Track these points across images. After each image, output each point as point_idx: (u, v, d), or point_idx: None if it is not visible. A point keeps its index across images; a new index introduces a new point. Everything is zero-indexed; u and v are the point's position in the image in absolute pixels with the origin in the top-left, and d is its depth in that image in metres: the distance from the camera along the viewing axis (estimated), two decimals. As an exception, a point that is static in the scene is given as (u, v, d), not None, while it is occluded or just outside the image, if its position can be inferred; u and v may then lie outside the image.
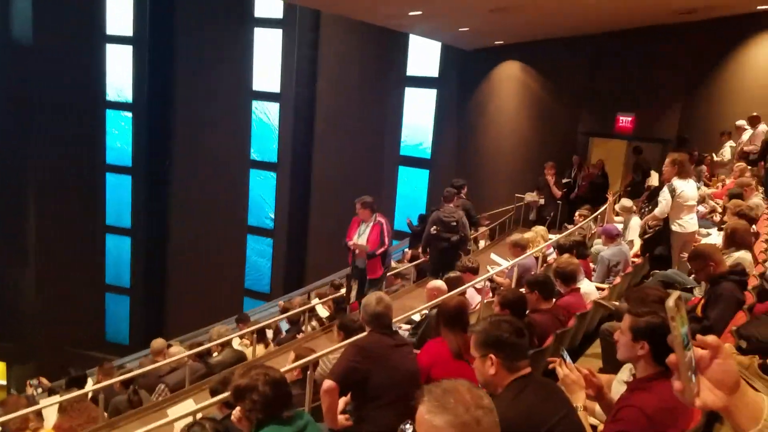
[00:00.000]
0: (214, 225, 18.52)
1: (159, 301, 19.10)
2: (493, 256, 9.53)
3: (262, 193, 18.88)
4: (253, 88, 18.24)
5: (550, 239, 8.66)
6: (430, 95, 17.10)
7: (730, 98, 12.15)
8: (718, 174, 10.40)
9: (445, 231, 8.41)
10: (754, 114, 10.50)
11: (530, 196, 11.91)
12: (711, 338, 1.16)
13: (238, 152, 18.44)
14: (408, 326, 6.36)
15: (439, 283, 6.25)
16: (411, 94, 17.43)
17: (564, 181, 12.36)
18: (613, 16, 11.92)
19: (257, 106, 18.47)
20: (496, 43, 14.79)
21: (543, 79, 14.64)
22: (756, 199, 7.55)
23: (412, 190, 17.61)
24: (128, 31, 18.82)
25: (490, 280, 7.40)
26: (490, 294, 6.90)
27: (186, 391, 6.85)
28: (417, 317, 6.50)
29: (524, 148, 14.78)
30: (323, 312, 9.56)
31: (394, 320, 5.97)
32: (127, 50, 18.96)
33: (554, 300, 5.11)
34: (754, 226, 6.26)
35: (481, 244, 12.26)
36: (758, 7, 11.36)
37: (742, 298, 4.14)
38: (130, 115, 19.38)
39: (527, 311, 4.80)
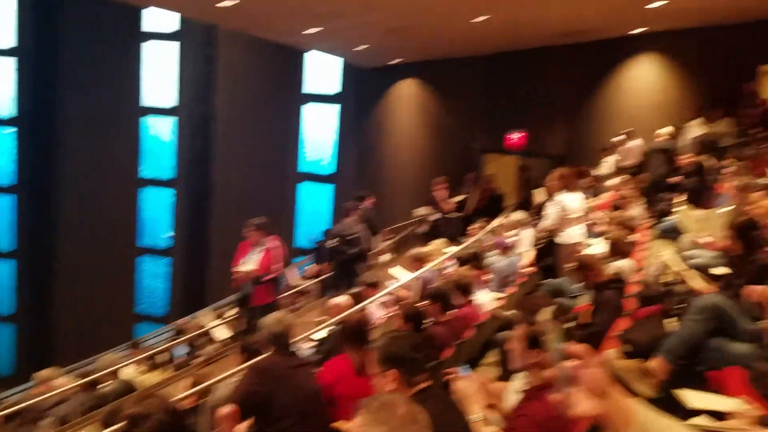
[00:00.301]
0: (105, 246, 17.53)
1: (46, 329, 17.78)
2: (396, 270, 9.65)
3: (158, 212, 18.13)
4: (145, 103, 17.55)
5: (449, 252, 8.88)
6: (332, 111, 17.20)
7: (610, 116, 13.08)
8: (599, 187, 11.09)
9: (342, 244, 8.41)
10: (627, 130, 11.33)
11: (422, 211, 11.86)
12: (579, 348, 1.21)
13: (129, 170, 17.64)
14: (311, 344, 6.30)
15: (340, 299, 6.25)
16: (313, 109, 17.45)
17: (461, 198, 12.66)
18: (503, 38, 12.54)
19: (151, 121, 17.78)
20: (395, 61, 15.14)
21: (439, 97, 15.13)
22: (636, 210, 8.13)
23: (317, 205, 17.58)
24: (10, 42, 17.60)
25: (393, 293, 7.48)
26: (393, 308, 6.98)
27: (75, 424, 6.41)
28: (321, 334, 6.45)
29: (422, 164, 15.17)
30: (223, 333, 9.28)
31: (297, 338, 5.92)
32: (9, 62, 17.71)
33: (453, 311, 5.26)
34: (634, 236, 6.73)
35: (384, 258, 12.37)
36: (629, 32, 12.36)
37: (621, 305, 4.45)
38: (12, 130, 18.05)
39: (428, 323, 4.91)
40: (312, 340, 6.17)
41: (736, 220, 4.16)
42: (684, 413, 2.76)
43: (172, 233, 17.97)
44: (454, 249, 8.91)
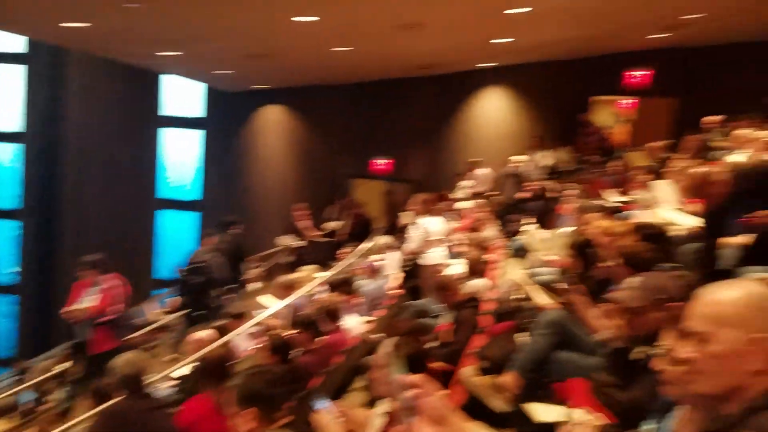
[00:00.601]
0: None
1: None
2: (264, 299, 9.45)
3: (1, 246, 16.50)
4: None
5: (318, 278, 8.87)
6: (196, 136, 16.68)
7: (465, 143, 13.86)
8: (457, 210, 11.66)
9: (189, 274, 8.13)
10: (475, 160, 12.09)
11: (285, 240, 11.46)
12: (418, 376, 1.24)
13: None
14: (172, 383, 5.98)
15: (204, 333, 6.01)
16: (176, 134, 16.80)
17: (333, 223, 12.69)
18: (366, 68, 12.92)
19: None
20: (260, 86, 15.05)
21: (305, 123, 15.21)
22: (490, 231, 8.63)
23: (181, 233, 16.84)
24: None
25: (260, 324, 7.31)
26: (261, 339, 6.82)
27: None
28: (182, 371, 6.14)
29: (291, 190, 15.11)
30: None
31: (154, 378, 5.60)
32: None
33: (322, 338, 5.24)
34: (489, 256, 7.13)
35: (253, 286, 12.08)
36: (479, 66, 13.22)
37: (477, 322, 4.69)
38: None
39: (296, 353, 4.86)
40: (172, 378, 5.86)
41: (574, 240, 4.55)
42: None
43: (17, 269, 16.39)
44: (324, 274, 8.92)
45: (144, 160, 16.48)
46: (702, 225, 4.12)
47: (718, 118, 9.37)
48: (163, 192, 16.95)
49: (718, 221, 3.73)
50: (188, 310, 8.74)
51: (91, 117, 15.95)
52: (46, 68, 15.58)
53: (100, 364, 6.11)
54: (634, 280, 2.63)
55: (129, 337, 7.74)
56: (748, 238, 3.70)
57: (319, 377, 4.70)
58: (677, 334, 1.52)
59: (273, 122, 15.47)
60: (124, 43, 10.28)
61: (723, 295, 1.35)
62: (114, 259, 16.01)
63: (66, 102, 15.73)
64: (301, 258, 10.69)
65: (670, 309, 2.25)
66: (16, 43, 15.82)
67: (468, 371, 3.59)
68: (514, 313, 4.81)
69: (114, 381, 3.67)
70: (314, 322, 5.21)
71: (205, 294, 8.11)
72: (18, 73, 16.05)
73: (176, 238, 16.78)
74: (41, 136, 15.73)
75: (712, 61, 11.63)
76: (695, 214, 5.10)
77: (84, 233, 15.80)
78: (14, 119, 16.17)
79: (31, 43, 15.67)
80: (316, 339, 5.15)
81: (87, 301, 6.48)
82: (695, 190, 3.80)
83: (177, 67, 13.34)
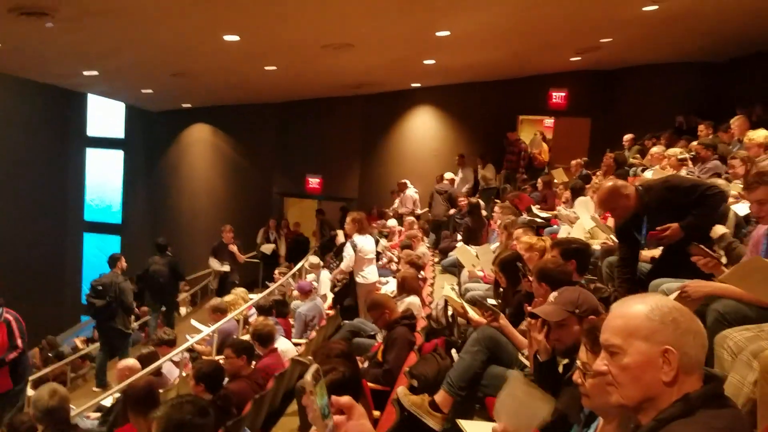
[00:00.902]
0: None
1: None
2: (194, 323, 9.19)
3: None
4: None
5: (251, 300, 8.70)
6: (118, 156, 16.13)
7: (397, 160, 14.03)
8: (389, 228, 11.77)
9: (93, 296, 7.92)
10: (402, 181, 12.28)
11: (214, 264, 10.89)
12: (344, 400, 1.22)
13: None
14: (97, 414, 5.72)
15: (130, 361, 5.79)
16: (96, 155, 16.20)
17: (264, 246, 12.49)
18: (294, 88, 12.91)
19: None
20: (185, 105, 14.74)
21: (234, 142, 15.01)
22: (422, 248, 8.75)
23: (103, 257, 16.17)
24: None
25: (190, 350, 7.10)
26: (189, 366, 6.62)
27: None
28: (108, 402, 5.89)
29: (221, 209, 14.82)
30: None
31: (79, 410, 5.34)
32: None
33: (255, 363, 5.14)
34: (422, 272, 7.22)
35: (183, 311, 11.74)
36: (410, 85, 13.49)
37: (413, 340, 4.71)
38: None
39: (230, 378, 4.74)
40: (93, 410, 5.61)
41: (500, 255, 4.66)
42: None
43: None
44: (256, 296, 8.76)
45: (68, 181, 15.82)
46: (614, 239, 4.31)
47: (630, 136, 9.91)
48: (88, 215, 16.30)
49: (627, 234, 3.91)
50: (106, 335, 8.38)
51: (10, 138, 15.17)
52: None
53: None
54: (553, 295, 2.73)
55: (52, 367, 7.36)
56: (657, 251, 3.90)
57: (248, 404, 4.59)
58: (597, 349, 1.58)
59: (199, 141, 15.17)
60: (41, 63, 9.87)
61: (633, 309, 1.41)
62: (38, 285, 15.23)
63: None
64: (230, 281, 10.41)
65: (587, 322, 2.34)
66: None
67: (403, 390, 3.59)
68: (445, 330, 4.88)
69: (35, 414, 3.47)
70: (247, 346, 5.09)
71: (113, 318, 7.85)
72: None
73: (100, 263, 16.12)
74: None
75: (626, 82, 12.30)
76: (612, 228, 5.35)
77: (2, 259, 14.96)
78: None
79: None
80: (250, 364, 5.03)
81: None
82: (604, 203, 3.96)
83: (102, 87, 12.92)
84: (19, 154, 15.29)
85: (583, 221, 5.56)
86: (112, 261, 8.25)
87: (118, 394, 5.43)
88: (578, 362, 1.93)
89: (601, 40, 9.84)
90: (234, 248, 10.57)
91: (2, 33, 7.52)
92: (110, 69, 10.25)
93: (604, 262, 4.65)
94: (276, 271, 10.72)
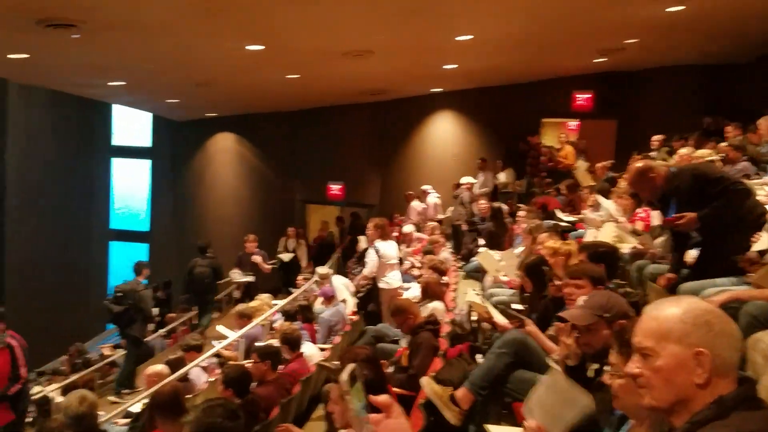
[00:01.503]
0: None
1: None
2: (220, 329, 9.27)
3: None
4: None
5: (275, 306, 8.76)
6: (144, 165, 16.39)
7: (418, 166, 14.03)
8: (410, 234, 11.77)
9: (112, 302, 8.14)
10: (408, 193, 12.30)
11: (235, 276, 10.80)
12: (382, 398, 1.24)
13: None
14: (126, 420, 5.80)
15: (159, 367, 5.86)
16: (122, 164, 16.48)
17: (285, 255, 12.51)
18: (316, 95, 13.00)
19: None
20: (210, 114, 14.93)
21: (258, 150, 15.16)
22: (445, 253, 8.72)
23: (130, 265, 16.39)
24: None
25: (217, 355, 7.17)
26: (217, 371, 6.68)
27: None
28: (137, 408, 5.97)
29: (245, 217, 14.96)
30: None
31: (108, 416, 5.42)
32: None
33: (281, 368, 5.17)
34: (445, 278, 7.20)
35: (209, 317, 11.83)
36: (430, 90, 13.48)
37: (438, 345, 4.70)
38: None
39: (258, 383, 4.77)
40: (122, 416, 5.68)
41: (526, 260, 4.64)
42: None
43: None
44: (280, 302, 8.81)
45: (94, 191, 16.12)
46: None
47: (660, 136, 9.77)
48: (114, 223, 16.55)
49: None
50: (133, 342, 8.53)
51: (36, 148, 15.50)
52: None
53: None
54: (582, 299, 2.71)
55: (81, 374, 7.46)
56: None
57: (275, 409, 4.62)
58: (625, 351, 1.57)
59: (224, 150, 15.36)
60: (66, 74, 10.08)
61: (666, 311, 1.41)
62: (66, 293, 15.44)
63: (7, 134, 15.26)
64: (254, 288, 10.52)
65: (617, 325, 2.33)
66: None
67: (428, 379, 3.59)
68: (470, 335, 4.86)
69: (65, 421, 3.53)
70: (273, 351, 5.13)
71: (130, 325, 8.00)
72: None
73: (127, 272, 16.36)
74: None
75: (652, 83, 12.15)
76: (638, 232, 5.29)
77: (28, 268, 15.25)
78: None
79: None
80: (276, 369, 5.07)
81: None
82: (633, 184, 4.00)
83: (128, 97, 13.15)
84: (46, 164, 15.62)
85: (610, 225, 5.50)
86: (137, 268, 8.41)
87: (146, 400, 5.50)
88: (609, 365, 1.91)
89: (626, 42, 9.75)
90: (258, 259, 10.63)
91: (30, 44, 7.69)
92: (136, 80, 10.44)
93: (633, 265, 4.60)
94: (300, 277, 10.76)
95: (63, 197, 15.85)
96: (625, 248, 4.87)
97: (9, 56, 8.23)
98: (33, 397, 6.92)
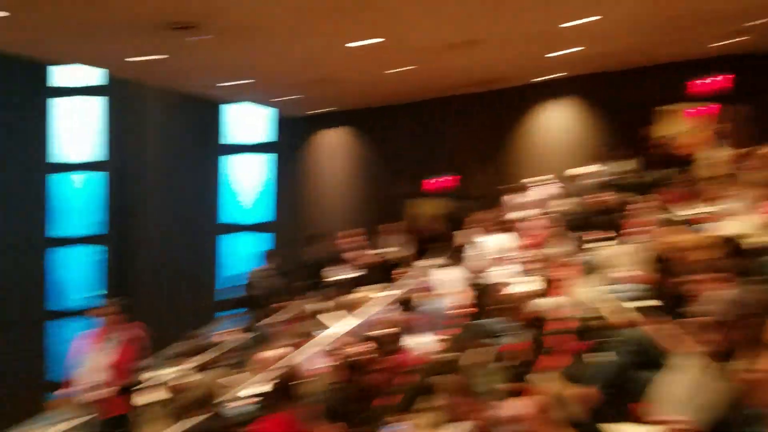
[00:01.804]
0: (9, 312, 16.41)
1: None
2: (328, 318, 9.49)
3: (78, 271, 17.24)
4: (59, 159, 17.07)
5: (380, 297, 8.86)
6: (261, 160, 17.19)
7: (526, 158, 13.68)
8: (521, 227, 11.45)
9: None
10: (528, 180, 11.89)
11: (333, 274, 10.71)
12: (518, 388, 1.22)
13: (33, 229, 16.88)
14: (247, 401, 6.06)
15: (270, 352, 6.12)
16: (241, 160, 17.34)
17: (389, 250, 12.54)
18: (422, 87, 13.02)
19: (67, 178, 17.19)
20: (325, 109, 15.38)
21: (368, 144, 15.45)
22: (557, 248, 8.42)
23: (243, 256, 17.24)
24: None
25: (331, 342, 7.34)
26: (327, 359, 6.85)
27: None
28: (256, 390, 6.23)
29: (354, 210, 15.30)
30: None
31: (226, 397, 5.69)
32: None
33: (389, 358, 5.24)
34: (561, 272, 6.92)
35: (315, 306, 12.14)
36: (540, 78, 13.07)
37: (544, 342, 4.54)
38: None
39: (366, 371, 4.86)
40: (242, 397, 5.96)
41: (648, 254, 4.40)
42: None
43: (101, 292, 17.07)
44: (384, 294, 8.92)
45: (209, 185, 17.08)
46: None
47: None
48: (226, 216, 17.45)
49: None
50: (249, 328, 9.00)
51: (166, 146, 16.70)
52: (125, 100, 16.45)
53: (113, 428, 5.54)
54: (723, 294, 2.54)
55: (199, 358, 7.86)
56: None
57: (384, 397, 4.68)
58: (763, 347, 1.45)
59: (335, 145, 15.83)
60: (191, 75, 10.70)
61: None
62: (181, 281, 16.48)
63: (144, 131, 16.57)
64: (356, 282, 10.70)
65: (753, 323, 2.17)
66: (97, 76, 16.69)
67: (543, 377, 3.50)
68: (588, 332, 4.67)
69: (187, 403, 3.76)
70: (381, 341, 5.21)
71: (261, 308, 8.37)
72: (99, 105, 16.94)
73: (239, 261, 17.21)
74: (116, 165, 16.60)
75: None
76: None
77: (156, 258, 16.48)
78: (89, 150, 17.02)
79: (111, 77, 16.56)
80: (384, 359, 5.14)
81: (103, 358, 5.49)
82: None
83: (241, 94, 13.80)
84: (173, 161, 16.78)
85: (737, 218, 5.11)
86: (264, 256, 8.83)
87: (261, 384, 5.74)
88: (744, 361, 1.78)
89: (755, 22, 8.98)
90: (357, 254, 10.83)
91: (153, 46, 8.21)
92: (260, 79, 10.90)
93: (763, 260, 4.24)
94: (403, 270, 10.81)
95: (185, 191, 16.92)
96: (759, 242, 4.49)
97: (136, 59, 8.83)
98: (156, 382, 7.38)
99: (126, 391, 5.64)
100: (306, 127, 16.12)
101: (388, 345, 5.45)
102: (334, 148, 15.93)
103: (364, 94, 13.50)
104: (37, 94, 16.88)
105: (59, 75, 16.95)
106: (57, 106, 17.12)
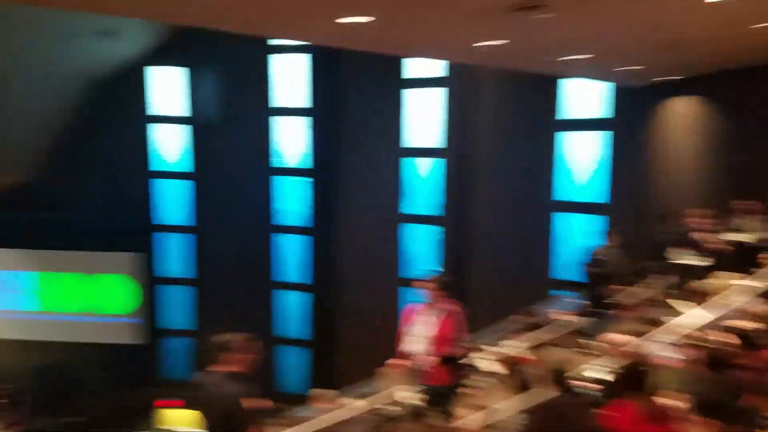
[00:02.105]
0: (374, 280, 19.07)
1: (330, 353, 19.94)
2: (679, 306, 8.73)
3: (420, 247, 19.12)
4: (409, 145, 19.03)
5: (740, 286, 7.83)
6: (596, 137, 16.58)
7: None
8: None
9: (589, 266, 8.77)
10: None
11: (677, 256, 9.98)
12: None
13: (392, 208, 19.13)
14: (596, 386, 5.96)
15: (618, 337, 5.90)
16: (576, 137, 16.95)
17: (741, 235, 10.87)
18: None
19: (417, 162, 19.14)
20: (669, 78, 14.08)
21: (719, 113, 13.65)
22: None
23: (580, 235, 16.91)
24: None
25: (686, 333, 6.73)
26: (686, 349, 6.30)
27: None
28: (598, 374, 6.10)
29: (707, 190, 13.67)
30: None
31: (575, 376, 5.70)
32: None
33: (759, 353, 4.64)
34: None
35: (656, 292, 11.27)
36: None
37: None
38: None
39: (730, 366, 4.38)
40: (589, 379, 5.88)
41: None
42: None
43: (439, 269, 18.75)
44: (746, 283, 7.87)
45: (541, 164, 17.14)
46: None
47: None
48: (560, 194, 17.27)
49: None
50: (592, 309, 8.82)
51: (498, 128, 17.35)
52: (462, 88, 17.60)
53: (437, 396, 5.89)
54: None
55: (534, 335, 7.97)
56: None
57: (755, 396, 4.13)
58: None
59: (680, 116, 14.33)
60: (532, 54, 10.79)
61: None
62: (513, 260, 17.16)
63: (479, 117, 17.53)
64: (707, 269, 9.58)
65: None
66: (439, 68, 18.17)
67: None
68: None
69: (538, 376, 3.89)
70: (749, 334, 4.63)
71: (603, 288, 8.15)
72: (440, 95, 18.40)
73: (575, 240, 16.91)
74: (458, 151, 17.89)
75: None
76: None
77: (489, 237, 17.33)
78: (437, 136, 18.65)
79: (451, 67, 17.84)
80: (752, 354, 4.56)
81: (425, 332, 5.84)
82: None
83: (577, 69, 13.43)
84: (505, 142, 17.33)
85: None
86: (605, 235, 8.71)
87: (607, 367, 5.56)
88: None
89: None
90: (706, 236, 9.66)
91: (496, 31, 8.41)
92: (594, 52, 10.50)
93: None
94: (763, 255, 9.35)
95: (516, 171, 17.32)
96: None
97: (485, 43, 9.20)
98: (491, 355, 7.68)
99: (449, 361, 5.93)
100: (646, 99, 14.96)
101: (757, 339, 4.80)
102: (678, 121, 14.47)
103: (719, 55, 11.86)
104: (393, 86, 19.03)
105: (410, 67, 18.79)
106: (408, 97, 19.08)
